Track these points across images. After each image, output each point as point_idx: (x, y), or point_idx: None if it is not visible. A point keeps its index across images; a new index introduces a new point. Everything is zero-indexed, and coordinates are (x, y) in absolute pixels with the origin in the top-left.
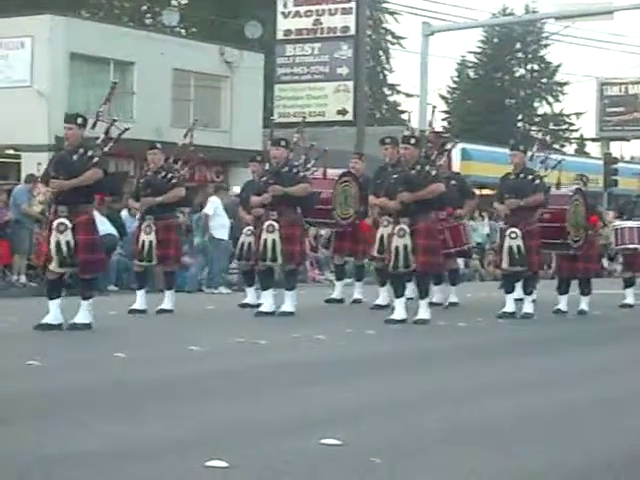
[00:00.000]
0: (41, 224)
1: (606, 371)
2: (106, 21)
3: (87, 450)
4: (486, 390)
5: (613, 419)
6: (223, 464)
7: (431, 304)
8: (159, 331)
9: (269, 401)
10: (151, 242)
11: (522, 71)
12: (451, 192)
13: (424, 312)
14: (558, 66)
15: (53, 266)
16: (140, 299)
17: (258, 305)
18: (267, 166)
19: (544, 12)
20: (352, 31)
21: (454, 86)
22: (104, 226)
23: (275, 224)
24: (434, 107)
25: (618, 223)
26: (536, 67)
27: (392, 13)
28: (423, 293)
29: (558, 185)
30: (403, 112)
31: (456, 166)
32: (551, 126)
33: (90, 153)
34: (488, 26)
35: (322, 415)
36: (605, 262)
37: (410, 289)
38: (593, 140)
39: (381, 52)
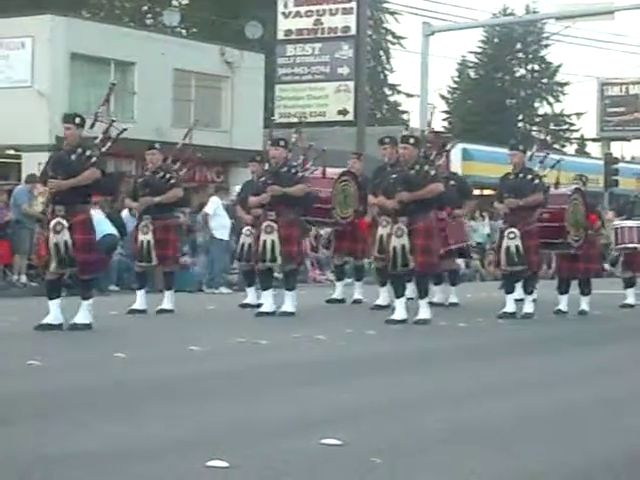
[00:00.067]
0: (42, 224)
1: (607, 371)
2: (107, 21)
3: (87, 450)
4: (486, 390)
5: (614, 419)
6: (224, 464)
7: (432, 304)
8: (159, 331)
9: (269, 401)
10: (149, 242)
11: (523, 71)
12: (450, 192)
13: (424, 312)
14: (559, 66)
15: (53, 267)
16: (140, 299)
17: (258, 305)
18: (267, 166)
19: (545, 12)
20: (353, 31)
21: (455, 86)
22: (105, 226)
23: (273, 224)
24: (433, 107)
25: (618, 223)
26: (537, 67)
27: (393, 13)
28: (422, 293)
29: (557, 184)
30: (404, 112)
31: (457, 166)
32: (552, 126)
33: (88, 153)
34: (489, 26)
35: (322, 415)
36: (607, 266)
37: (410, 289)
38: (594, 140)
39: (382, 52)
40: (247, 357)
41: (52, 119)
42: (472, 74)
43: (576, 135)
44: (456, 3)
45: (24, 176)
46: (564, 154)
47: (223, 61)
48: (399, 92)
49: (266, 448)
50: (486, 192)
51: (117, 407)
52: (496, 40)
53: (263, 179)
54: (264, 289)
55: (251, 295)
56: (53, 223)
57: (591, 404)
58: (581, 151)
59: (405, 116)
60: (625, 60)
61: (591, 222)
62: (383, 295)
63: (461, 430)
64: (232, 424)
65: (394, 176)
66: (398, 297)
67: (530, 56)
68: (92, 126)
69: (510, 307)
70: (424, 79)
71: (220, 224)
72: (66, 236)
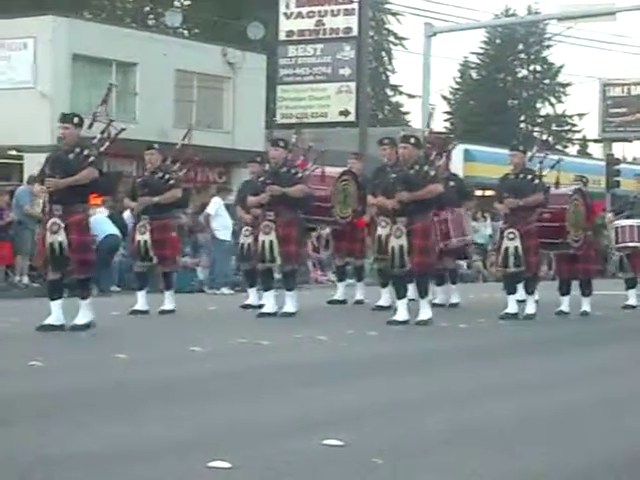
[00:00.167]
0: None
1: (608, 372)
2: (108, 22)
3: (88, 451)
4: (488, 391)
5: (615, 420)
6: (225, 465)
7: (434, 305)
8: (161, 332)
9: (271, 402)
10: (146, 242)
11: (525, 72)
12: (450, 193)
13: (425, 312)
14: (561, 67)
15: (50, 270)
16: (141, 300)
17: (260, 306)
18: (267, 167)
19: (546, 13)
20: (354, 32)
21: (456, 87)
22: (107, 226)
23: (271, 225)
24: (433, 108)
25: (618, 222)
26: (539, 68)
27: (394, 14)
28: (423, 292)
29: (557, 184)
30: (405, 113)
31: (459, 167)
32: (553, 127)
33: (86, 152)
34: (490, 27)
35: (324, 416)
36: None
37: (412, 290)
38: (595, 141)
39: (383, 53)
40: (248, 358)
41: (54, 120)
42: (474, 75)
43: (578, 136)
44: (458, 4)
45: (26, 177)
46: (566, 155)
47: (225, 62)
48: (401, 93)
49: (267, 449)
50: (488, 193)
51: (118, 408)
52: (498, 41)
53: (262, 179)
54: (265, 290)
55: (252, 296)
56: (50, 223)
57: (592, 405)
58: (583, 152)
59: (407, 117)
60: (627, 61)
61: (593, 216)
62: (385, 296)
63: (463, 431)
64: (233, 425)
65: (394, 176)
66: (400, 298)
67: (532, 57)
68: (90, 126)
69: (512, 308)
70: (426, 80)
71: (222, 225)
72: (61, 237)
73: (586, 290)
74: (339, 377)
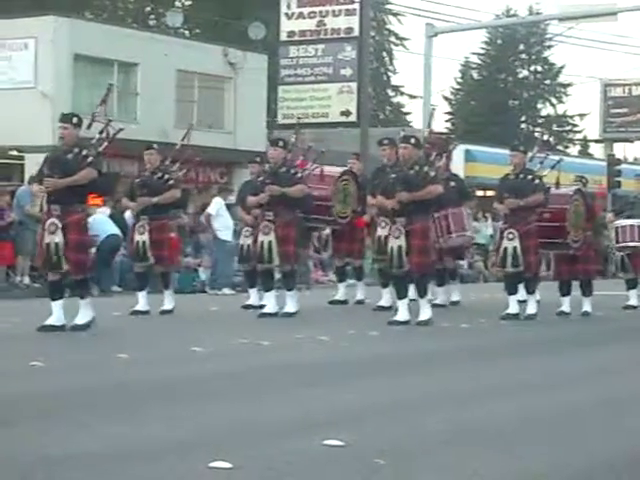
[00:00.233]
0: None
1: (609, 372)
2: (110, 22)
3: (89, 451)
4: (489, 391)
5: (616, 420)
6: (226, 465)
7: (435, 305)
8: (162, 332)
9: (272, 402)
10: (144, 242)
11: (525, 72)
12: (450, 193)
13: (425, 312)
14: (562, 67)
15: (44, 270)
16: (142, 300)
17: (261, 306)
18: (266, 167)
19: (547, 13)
20: (356, 32)
21: (458, 87)
22: (108, 226)
23: (270, 225)
24: (433, 108)
25: (618, 222)
26: (540, 68)
27: (395, 14)
28: (422, 292)
29: (557, 184)
30: (407, 113)
31: (460, 167)
32: (554, 127)
33: (85, 153)
34: (491, 27)
35: (325, 416)
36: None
37: (412, 290)
38: (597, 141)
39: (385, 53)
40: (250, 358)
41: (55, 120)
42: (475, 75)
43: (579, 136)
44: (459, 4)
45: (27, 177)
46: (567, 155)
47: (226, 62)
48: (402, 93)
49: (268, 449)
50: (489, 193)
51: (119, 408)
52: (499, 41)
53: (261, 179)
54: (266, 290)
55: (253, 296)
56: (48, 223)
57: (593, 405)
58: (584, 152)
59: (408, 117)
60: (628, 61)
61: (593, 217)
62: (386, 296)
63: (464, 431)
64: (234, 425)
65: (393, 176)
66: (401, 298)
67: (533, 57)
68: (89, 126)
69: (513, 308)
70: (427, 80)
71: (223, 225)
72: (58, 238)
73: (587, 290)
74: (340, 377)
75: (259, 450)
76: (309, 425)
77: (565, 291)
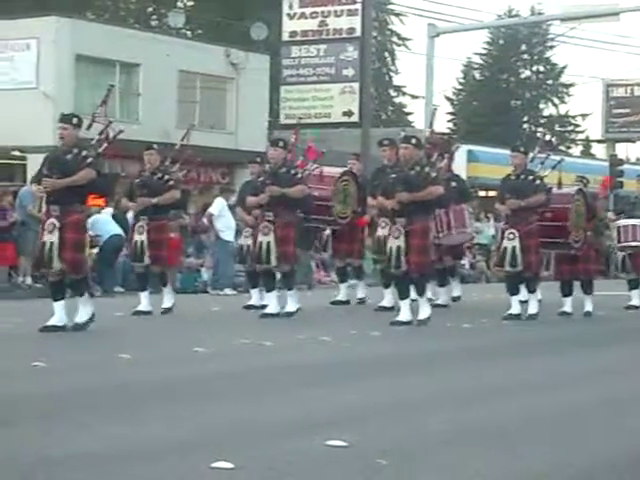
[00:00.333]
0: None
1: (611, 372)
2: (112, 23)
3: (90, 451)
4: (491, 391)
5: (617, 420)
6: (228, 465)
7: (436, 305)
8: (164, 332)
9: (274, 402)
10: (142, 242)
11: (528, 72)
12: (451, 193)
13: (424, 311)
14: (564, 67)
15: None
16: (144, 300)
17: (263, 307)
18: (266, 167)
19: (550, 14)
20: (358, 32)
21: (460, 88)
22: (111, 227)
23: (270, 226)
24: (435, 108)
25: (620, 221)
26: (542, 68)
27: (398, 15)
28: (421, 291)
29: (559, 185)
30: (409, 114)
31: (462, 168)
32: (557, 128)
33: (84, 153)
34: (494, 27)
35: (327, 416)
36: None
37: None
38: (599, 142)
39: (387, 54)
40: (251, 358)
41: (57, 121)
42: (477, 75)
43: (581, 136)
44: (461, 4)
45: (29, 177)
46: (569, 155)
47: (228, 62)
48: (404, 94)
49: (270, 449)
50: (491, 193)
51: (120, 408)
52: (501, 41)
53: (261, 179)
54: (267, 291)
55: (255, 296)
56: (47, 223)
57: (595, 405)
58: (586, 152)
59: (410, 118)
60: (630, 61)
61: (594, 217)
62: (387, 297)
63: (466, 431)
64: (236, 425)
65: (394, 176)
66: (403, 299)
67: (535, 57)
68: (89, 127)
69: (515, 309)
70: (429, 81)
71: (226, 225)
72: (53, 237)
73: (588, 289)
74: (342, 377)
75: (261, 450)
76: (311, 425)
77: (567, 291)
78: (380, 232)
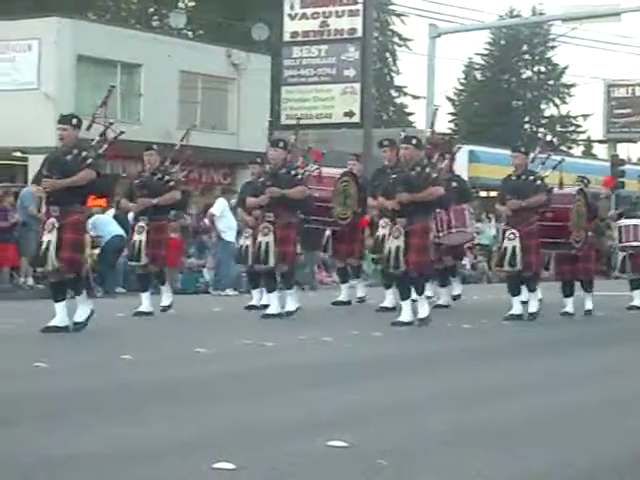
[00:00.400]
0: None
1: (612, 373)
2: (113, 23)
3: (92, 452)
4: (492, 392)
5: (619, 420)
6: (229, 466)
7: (438, 306)
8: (165, 333)
9: (275, 403)
10: (140, 241)
11: (529, 73)
12: (451, 194)
13: (423, 310)
14: (565, 68)
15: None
16: (146, 301)
17: (264, 307)
18: (267, 168)
19: (551, 14)
20: (359, 33)
21: (461, 88)
22: (113, 227)
23: (270, 226)
24: (436, 109)
25: (622, 221)
26: (543, 69)
27: (399, 15)
28: (419, 290)
29: (561, 185)
30: (410, 114)
31: (463, 168)
32: (558, 128)
33: (84, 154)
34: (495, 28)
35: (328, 417)
36: (616, 272)
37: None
38: (600, 142)
39: (388, 54)
40: (253, 359)
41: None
42: (478, 76)
43: (582, 137)
44: (462, 5)
45: (30, 178)
46: (570, 156)
47: (229, 63)
48: (405, 94)
49: (272, 450)
50: (492, 194)
51: (122, 409)
52: (502, 42)
53: (262, 180)
54: (269, 291)
55: (256, 297)
56: (47, 224)
57: (596, 405)
58: (588, 153)
59: (411, 118)
60: (632, 62)
61: (596, 216)
62: (389, 297)
63: (466, 432)
64: (237, 426)
65: (394, 176)
66: (404, 299)
67: (536, 58)
68: (89, 128)
69: (516, 309)
70: (430, 81)
71: (227, 226)
72: (52, 237)
73: (588, 288)
74: (343, 378)
75: (262, 451)
76: (312, 426)
77: (568, 292)
78: (381, 232)
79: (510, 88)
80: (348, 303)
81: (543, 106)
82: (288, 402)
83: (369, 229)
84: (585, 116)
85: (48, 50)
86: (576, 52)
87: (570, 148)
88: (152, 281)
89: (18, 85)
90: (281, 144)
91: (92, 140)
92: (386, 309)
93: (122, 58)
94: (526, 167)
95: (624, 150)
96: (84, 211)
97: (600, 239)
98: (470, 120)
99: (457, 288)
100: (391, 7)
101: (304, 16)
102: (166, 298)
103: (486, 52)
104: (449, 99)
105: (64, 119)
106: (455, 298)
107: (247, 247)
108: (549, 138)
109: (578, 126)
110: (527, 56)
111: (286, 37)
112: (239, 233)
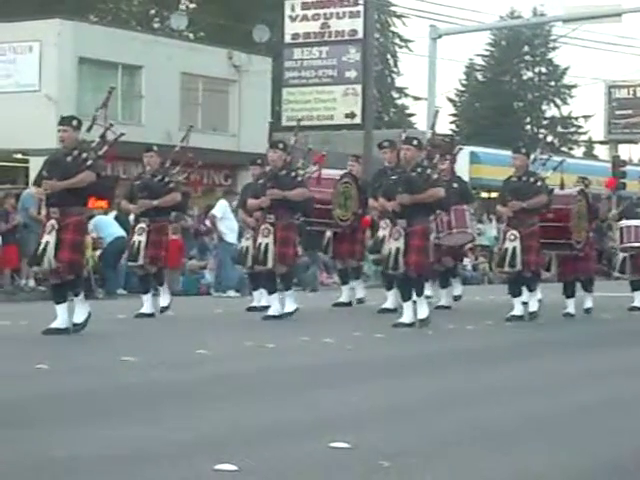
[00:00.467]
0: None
1: (613, 374)
2: (114, 25)
3: (94, 453)
4: (493, 393)
5: (620, 421)
6: (231, 467)
7: (439, 307)
8: (167, 335)
9: (277, 405)
10: (140, 242)
11: (530, 74)
12: (452, 195)
13: (423, 311)
14: (566, 69)
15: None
16: (147, 303)
17: (264, 308)
18: (267, 169)
19: (552, 15)
20: (360, 34)
21: (462, 89)
22: (116, 229)
23: (270, 228)
24: (437, 110)
25: (623, 222)
26: (544, 70)
27: (400, 16)
28: (419, 292)
29: (562, 186)
30: (411, 115)
31: (465, 169)
32: (559, 129)
33: (84, 156)
34: (496, 29)
35: (330, 419)
36: (616, 273)
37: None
38: (601, 143)
39: (389, 55)
40: (254, 361)
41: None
42: (479, 77)
43: (584, 138)
44: (463, 6)
45: (32, 180)
46: (572, 157)
47: (230, 65)
48: (406, 95)
49: (274, 451)
50: (493, 195)
51: (124, 411)
52: (503, 43)
53: (262, 182)
54: (270, 293)
55: (257, 298)
56: (47, 225)
57: (596, 406)
58: (589, 154)
59: (412, 119)
60: (632, 63)
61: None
62: (390, 299)
63: (468, 433)
64: (239, 427)
65: (394, 177)
66: (405, 300)
67: (537, 59)
68: (89, 129)
69: (517, 310)
70: (431, 82)
71: (229, 227)
72: (50, 238)
73: (588, 287)
74: (345, 380)
75: (265, 452)
76: (315, 427)
77: (570, 293)
78: (381, 233)
79: (511, 89)
80: (349, 304)
81: (544, 107)
82: (290, 404)
83: (370, 230)
84: (586, 117)
85: (49, 52)
86: (577, 53)
87: (571, 149)
88: (153, 283)
89: (19, 87)
90: (280, 146)
91: (93, 142)
92: (387, 310)
93: (123, 60)
94: (527, 168)
95: (625, 151)
96: (84, 212)
97: (601, 239)
98: (471, 121)
99: (458, 289)
100: (392, 8)
101: (305, 18)
102: (164, 299)
103: (487, 53)
104: (450, 100)
105: (64, 121)
106: (456, 299)
107: (247, 248)
108: (549, 139)
109: (579, 127)
110: (528, 57)
111: (287, 39)
112: (240, 235)
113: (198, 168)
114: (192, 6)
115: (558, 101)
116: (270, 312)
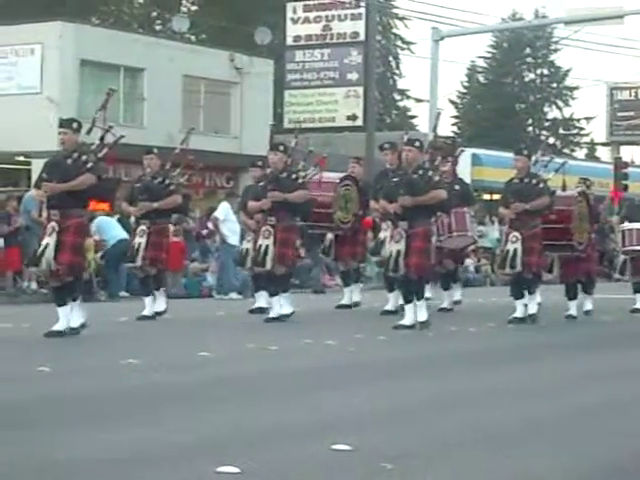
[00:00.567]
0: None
1: (613, 376)
2: (116, 27)
3: (96, 456)
4: (494, 395)
5: (620, 423)
6: (233, 470)
7: (441, 309)
8: (169, 337)
9: (279, 407)
10: (139, 244)
11: (532, 76)
12: (454, 197)
13: (422, 313)
14: (568, 71)
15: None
16: (149, 306)
17: (264, 309)
18: (268, 171)
19: (554, 17)
20: (362, 37)
21: (464, 91)
22: (118, 231)
23: (271, 229)
24: (439, 112)
25: (625, 225)
26: (546, 72)
27: (401, 18)
28: (419, 294)
29: (564, 187)
30: (413, 117)
31: (467, 171)
32: (561, 131)
33: (84, 158)
34: (498, 31)
35: (332, 420)
36: (616, 275)
37: None
38: (603, 144)
39: (391, 57)
40: (257, 363)
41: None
42: (481, 79)
43: (586, 139)
44: (465, 8)
45: (33, 183)
46: (574, 159)
47: (232, 67)
48: (408, 97)
49: (276, 453)
50: (495, 197)
51: (126, 413)
52: (505, 45)
53: (263, 184)
54: (271, 295)
55: (259, 300)
56: (47, 227)
57: (597, 408)
58: (591, 155)
59: (414, 121)
60: (635, 64)
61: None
62: (392, 301)
63: (470, 435)
64: (242, 430)
65: (396, 179)
66: (407, 303)
67: (539, 61)
68: (89, 131)
69: (519, 312)
70: (433, 84)
71: (231, 230)
72: (50, 240)
73: (589, 289)
74: (347, 382)
75: (267, 455)
76: (317, 429)
77: (572, 295)
78: (382, 235)
79: (513, 91)
80: (351, 306)
81: (546, 109)
82: (292, 406)
83: (372, 232)
84: (588, 119)
85: (51, 54)
86: (579, 55)
87: (573, 151)
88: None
89: (21, 89)
90: (281, 148)
91: (93, 144)
92: (389, 312)
93: (125, 62)
94: (529, 170)
95: (627, 153)
96: (85, 214)
97: (603, 241)
98: (473, 123)
99: (457, 294)
100: (394, 10)
101: (307, 20)
102: (159, 304)
103: (489, 55)
104: (452, 102)
105: (65, 123)
106: (455, 304)
107: (247, 250)
108: (550, 141)
109: (581, 129)
110: (530, 59)
111: (289, 41)
112: (242, 237)
113: (200, 170)
114: (194, 8)
115: (560, 103)
116: (272, 314)
